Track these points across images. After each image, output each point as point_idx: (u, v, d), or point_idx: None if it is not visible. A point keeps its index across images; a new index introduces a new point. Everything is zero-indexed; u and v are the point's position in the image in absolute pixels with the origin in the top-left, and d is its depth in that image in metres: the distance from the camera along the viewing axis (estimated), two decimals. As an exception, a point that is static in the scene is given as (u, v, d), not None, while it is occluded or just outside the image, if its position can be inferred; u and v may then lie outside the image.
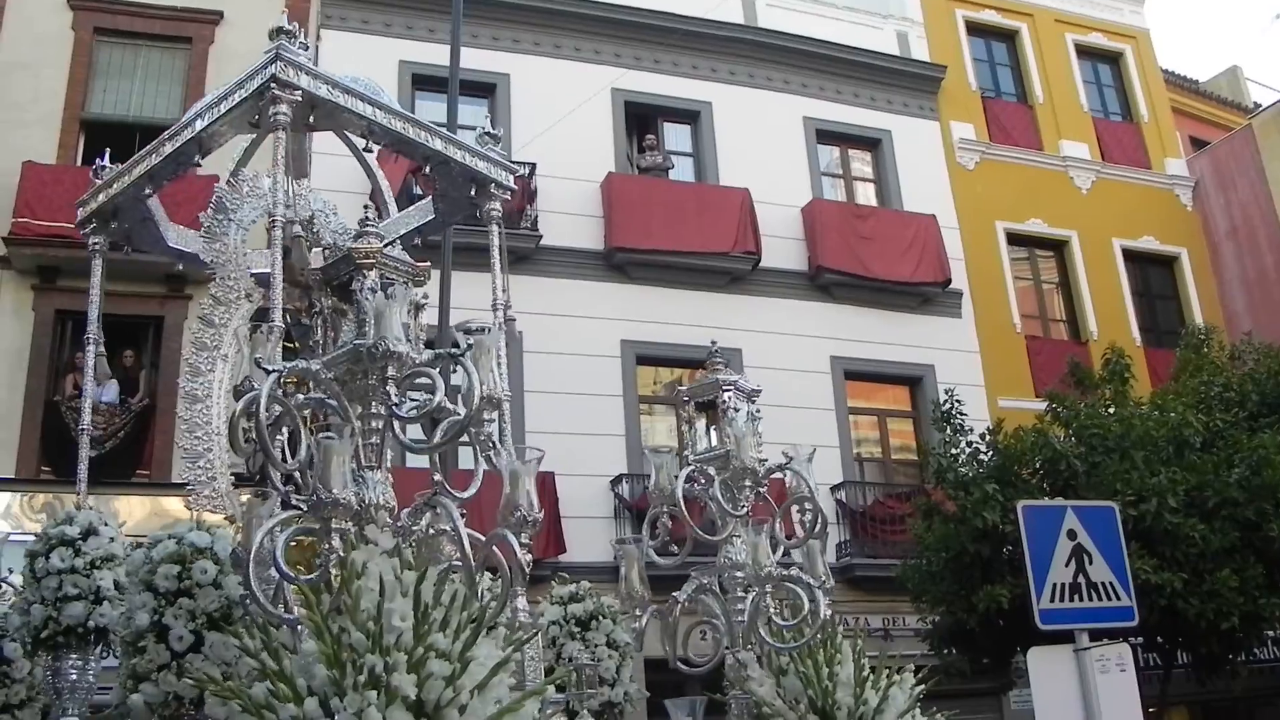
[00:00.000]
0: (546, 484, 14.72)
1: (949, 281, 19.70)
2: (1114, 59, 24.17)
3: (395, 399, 4.43)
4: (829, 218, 19.53)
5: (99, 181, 6.73)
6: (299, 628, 3.89)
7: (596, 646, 6.81)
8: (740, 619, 6.08)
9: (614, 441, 16.81)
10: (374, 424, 4.49)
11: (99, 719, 5.35)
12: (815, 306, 18.97)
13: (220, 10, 17.14)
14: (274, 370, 4.29)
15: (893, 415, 19.68)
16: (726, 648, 6.11)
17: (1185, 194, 23.30)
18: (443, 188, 6.89)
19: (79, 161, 16.21)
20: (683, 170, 19.70)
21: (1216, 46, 70.35)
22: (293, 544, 4.46)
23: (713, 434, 6.70)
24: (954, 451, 14.61)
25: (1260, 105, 26.64)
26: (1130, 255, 22.14)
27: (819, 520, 6.34)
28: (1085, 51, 23.72)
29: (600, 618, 6.98)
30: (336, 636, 3.45)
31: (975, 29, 22.88)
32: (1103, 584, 7.99)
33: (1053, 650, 7.92)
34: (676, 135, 20.03)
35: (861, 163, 21.28)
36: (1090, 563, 7.99)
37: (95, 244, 6.85)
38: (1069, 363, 17.17)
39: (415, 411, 4.45)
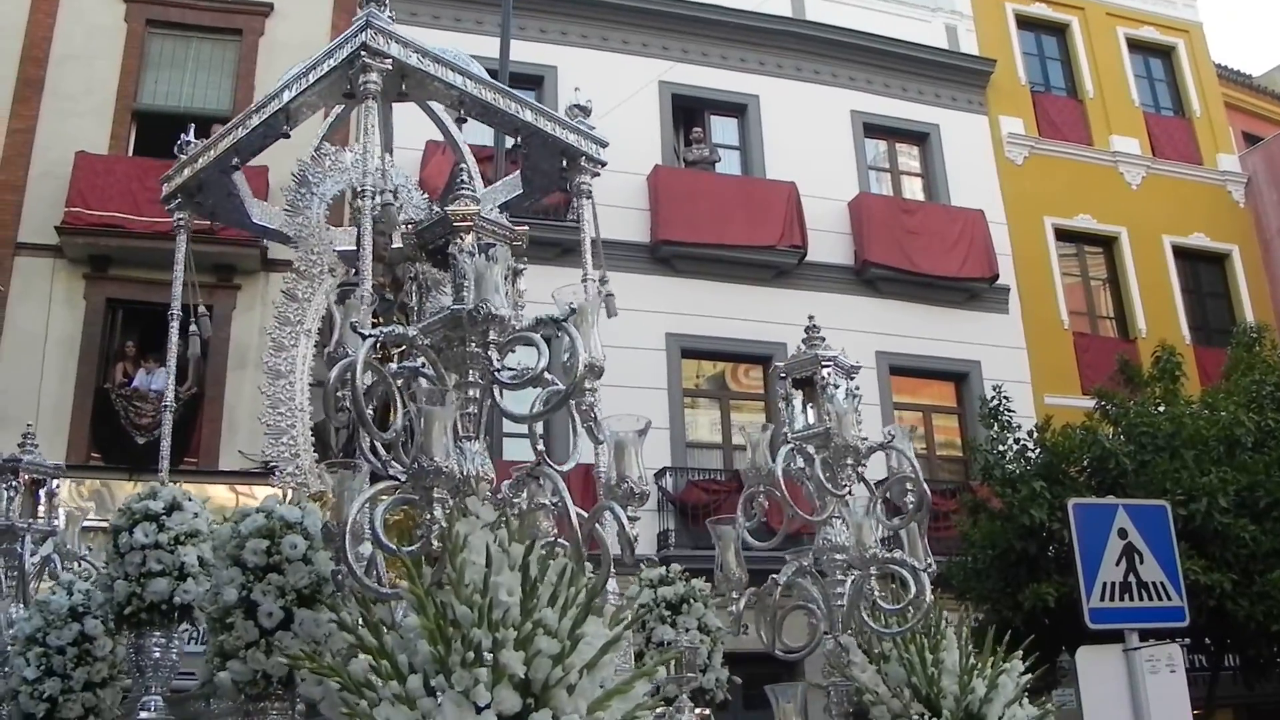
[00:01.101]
0: (591, 477, 14.77)
1: (996, 277, 19.57)
2: (1166, 53, 23.90)
3: (497, 364, 4.23)
4: (876, 212, 19.44)
5: (183, 157, 6.68)
6: (398, 603, 3.79)
7: (687, 631, 6.55)
8: (840, 603, 5.82)
9: (658, 435, 16.78)
10: (471, 393, 4.25)
11: (186, 696, 5.20)
12: (861, 301, 18.89)
13: (270, 2, 17.29)
14: (371, 335, 4.12)
15: (938, 411, 19.58)
16: (825, 633, 5.87)
17: (1237, 190, 23.02)
18: (532, 161, 6.81)
19: (130, 152, 16.43)
20: (730, 163, 19.68)
21: (1271, 40, 69.42)
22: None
23: (809, 412, 6.33)
24: (1001, 448, 14.54)
25: (1316, 100, 26.33)
26: (1180, 252, 21.90)
27: (924, 501, 6.02)
28: (1137, 45, 23.47)
29: (691, 601, 6.72)
30: (441, 611, 3.29)
31: (1025, 22, 22.70)
32: (1153, 583, 7.94)
33: (1102, 650, 7.88)
34: (724, 128, 20.00)
35: (909, 157, 21.17)
36: (1141, 562, 7.94)
37: (180, 220, 6.78)
38: (1118, 360, 17.05)
39: (516, 378, 4.27)
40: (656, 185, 18.11)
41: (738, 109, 19.91)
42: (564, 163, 6.68)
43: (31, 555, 7.32)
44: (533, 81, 17.96)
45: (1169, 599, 8.00)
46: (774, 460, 5.96)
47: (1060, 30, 23.07)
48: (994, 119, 21.39)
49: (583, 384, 4.27)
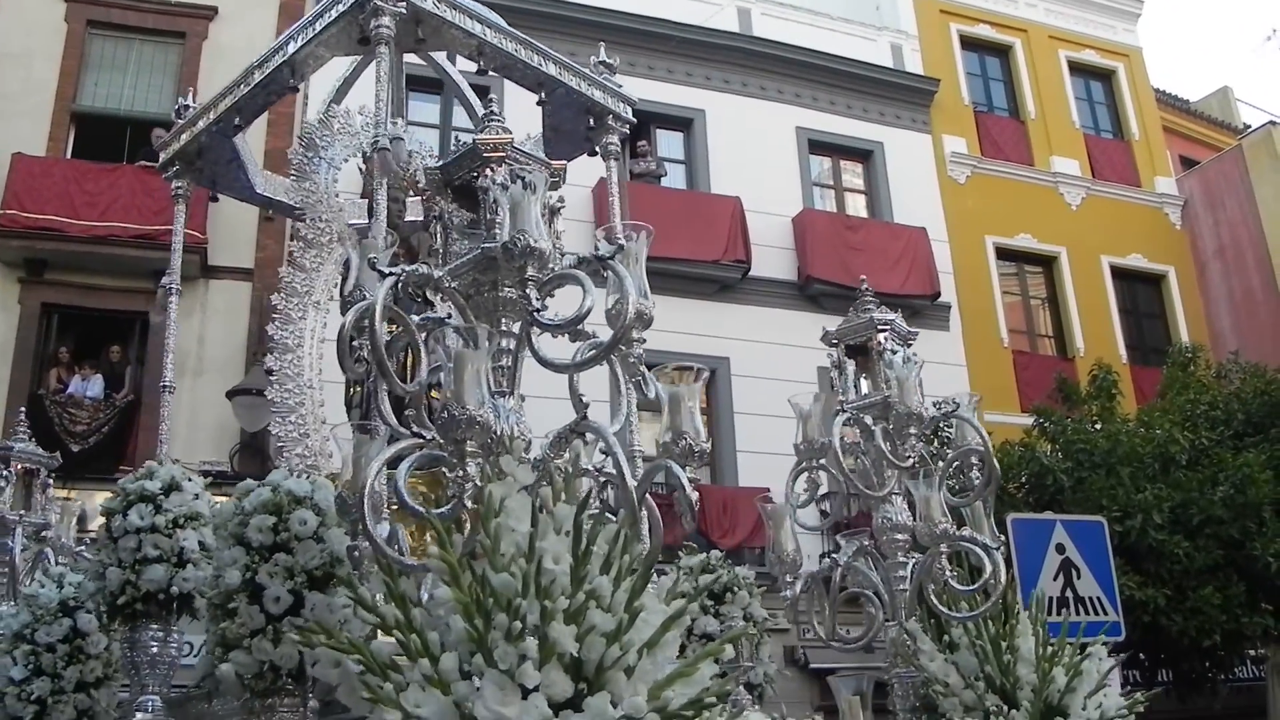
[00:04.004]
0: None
1: (938, 295, 19.70)
2: (1106, 76, 24.23)
3: (537, 304, 3.71)
4: (819, 228, 19.53)
5: (180, 121, 6.32)
6: (422, 581, 3.34)
7: (732, 621, 6.13)
8: (902, 587, 5.32)
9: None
10: (505, 344, 3.77)
11: (187, 695, 4.70)
12: (804, 316, 18.92)
13: (214, 6, 17.07)
14: (392, 273, 3.63)
15: (879, 427, 19.63)
16: (886, 620, 5.39)
17: (1174, 213, 23.35)
18: (554, 122, 6.43)
19: (69, 154, 16.18)
20: (675, 177, 19.69)
21: (1208, 67, 70.72)
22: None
23: (863, 382, 5.84)
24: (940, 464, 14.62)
25: (1250, 126, 26.72)
26: (1118, 272, 22.17)
27: (993, 476, 5.49)
28: (1078, 68, 23.77)
29: (735, 590, 6.32)
30: (479, 580, 2.82)
31: (969, 43, 22.93)
32: (1090, 598, 8.02)
33: (1038, 663, 7.92)
34: (669, 142, 20.01)
35: (853, 174, 21.28)
36: (1078, 577, 8.01)
37: (178, 188, 6.40)
38: (1056, 378, 17.24)
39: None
40: (601, 198, 18.07)
41: (683, 123, 19.94)
42: (590, 121, 6.36)
43: (23, 549, 6.86)
44: (477, 91, 17.85)
45: (1105, 614, 8.07)
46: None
47: (1003, 52, 23.31)
48: (937, 138, 21.56)
49: (630, 331, 3.79)
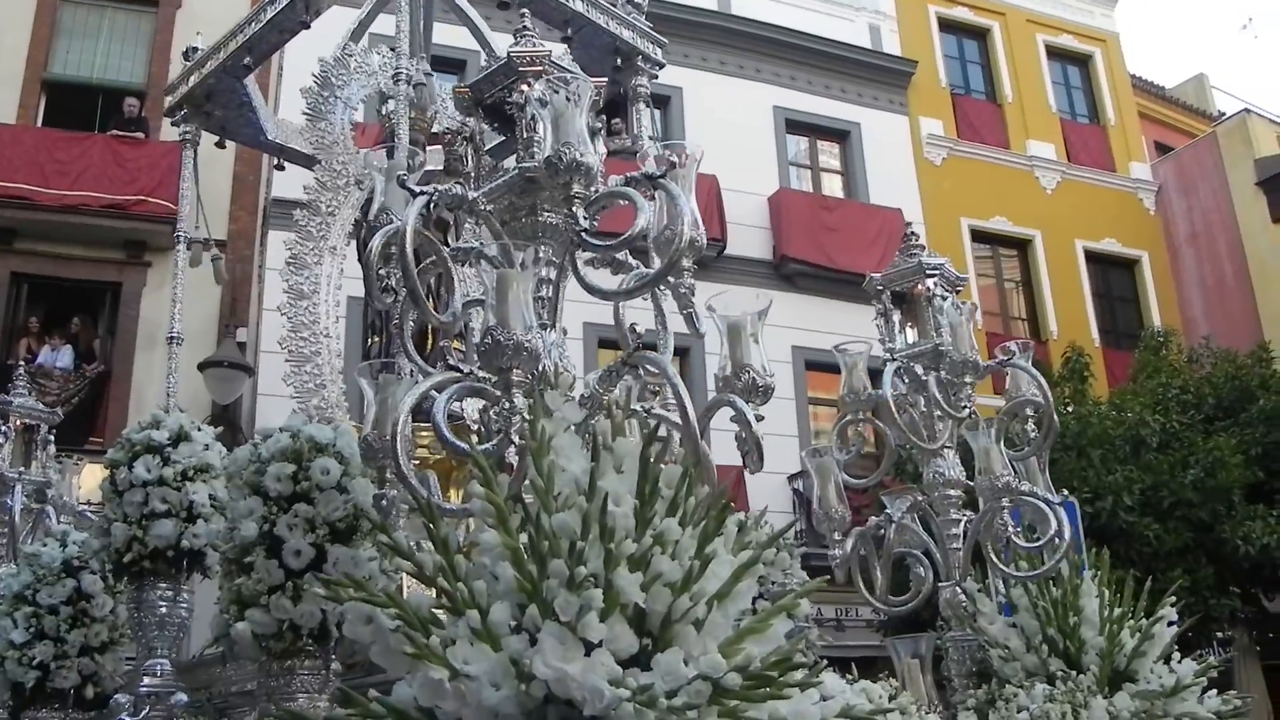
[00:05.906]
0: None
1: (913, 276, 19.72)
2: (1083, 61, 24.27)
3: (584, 222, 3.36)
4: (795, 208, 19.52)
5: (188, 63, 6.10)
6: (459, 529, 3.06)
7: (772, 585, 5.73)
8: (955, 546, 5.00)
9: (573, 424, 16.70)
10: (546, 273, 3.44)
11: (199, 660, 4.45)
12: (778, 296, 18.76)
13: (188, -26, 16.89)
14: (423, 193, 3.29)
15: (852, 407, 19.67)
16: (938, 582, 5.10)
17: (1148, 198, 23.45)
18: (581, 62, 6.14)
19: (39, 122, 16.00)
20: (651, 155, 19.62)
21: (1184, 53, 70.97)
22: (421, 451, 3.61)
23: (909, 331, 5.41)
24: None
25: (1225, 113, 26.83)
26: (1092, 256, 22.26)
27: (1051, 429, 5.11)
28: (1055, 53, 23.81)
29: (775, 550, 5.95)
30: (534, 523, 2.46)
31: (947, 25, 22.92)
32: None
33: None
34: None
35: (829, 154, 21.27)
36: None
37: (186, 133, 6.17)
38: (1029, 360, 17.26)
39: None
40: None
41: (660, 101, 19.84)
42: (617, 63, 6.12)
43: (22, 508, 6.63)
44: (455, 66, 17.76)
45: (1075, 594, 8.10)
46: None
47: (981, 35, 23.32)
48: (914, 119, 21.57)
49: (681, 258, 3.47)
